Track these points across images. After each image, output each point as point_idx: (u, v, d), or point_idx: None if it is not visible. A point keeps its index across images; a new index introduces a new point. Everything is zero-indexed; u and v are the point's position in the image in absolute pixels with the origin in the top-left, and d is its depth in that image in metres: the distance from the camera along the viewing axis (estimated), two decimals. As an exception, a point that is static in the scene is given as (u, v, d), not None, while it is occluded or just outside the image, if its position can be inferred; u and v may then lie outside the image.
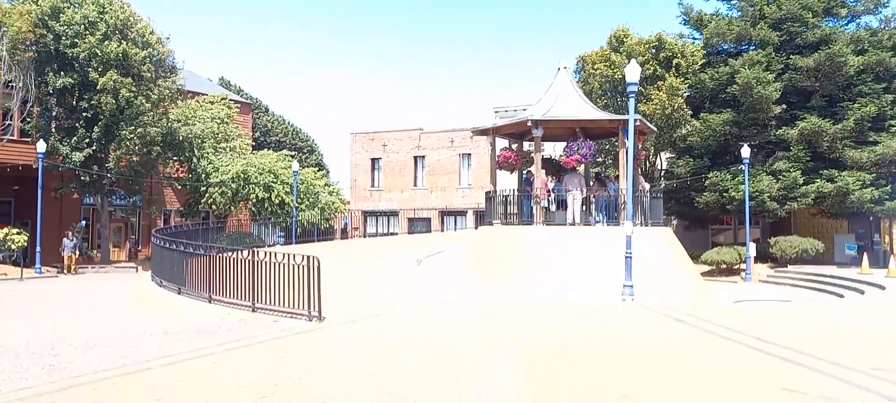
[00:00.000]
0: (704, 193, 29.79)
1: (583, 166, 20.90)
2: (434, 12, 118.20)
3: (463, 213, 42.84)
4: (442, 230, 41.24)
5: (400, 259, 20.96)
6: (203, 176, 33.59)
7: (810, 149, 28.64)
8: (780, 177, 28.42)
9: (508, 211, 19.33)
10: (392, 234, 40.24)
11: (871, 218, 30.22)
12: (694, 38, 33.16)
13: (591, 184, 20.20)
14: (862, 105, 27.97)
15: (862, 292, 20.58)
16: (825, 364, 7.69)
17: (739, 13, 32.16)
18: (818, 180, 28.20)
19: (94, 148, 28.91)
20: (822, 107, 29.18)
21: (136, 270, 28.83)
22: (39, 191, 26.65)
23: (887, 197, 27.57)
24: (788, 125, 29.10)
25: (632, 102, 15.38)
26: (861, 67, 28.30)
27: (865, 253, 27.26)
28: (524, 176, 20.32)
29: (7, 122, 27.96)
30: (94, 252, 32.61)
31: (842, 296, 20.86)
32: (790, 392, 6.40)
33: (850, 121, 27.71)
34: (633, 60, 15.55)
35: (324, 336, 9.56)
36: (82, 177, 29.19)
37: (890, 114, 28.73)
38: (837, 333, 10.57)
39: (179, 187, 35.25)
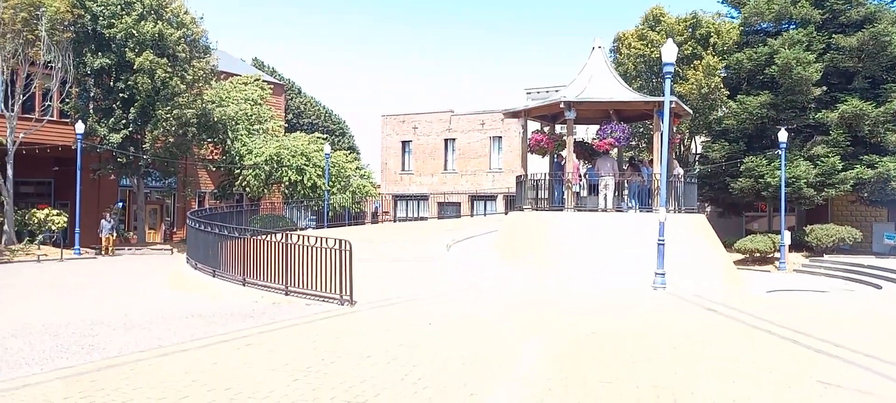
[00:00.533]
0: (739, 179, 29.27)
1: (616, 150, 20.69)
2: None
3: (493, 198, 42.75)
4: (472, 215, 41.23)
5: (430, 244, 21.04)
6: (237, 158, 33.99)
7: (850, 133, 27.92)
8: (818, 162, 27.78)
9: (539, 196, 19.24)
10: (422, 219, 40.37)
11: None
12: (731, 17, 32.45)
13: (625, 168, 19.99)
14: (906, 87, 27.20)
15: (901, 283, 20.12)
16: (861, 356, 7.55)
17: (780, -9, 31.39)
18: (858, 166, 27.52)
19: (130, 129, 29.45)
20: (865, 89, 28.40)
21: (172, 252, 29.37)
22: (78, 172, 27.23)
23: (931, 184, 26.81)
24: (828, 108, 28.39)
25: (668, 84, 15.16)
26: (907, 47, 27.48)
27: (906, 243, 26.65)
28: (556, 160, 20.17)
29: (47, 103, 28.59)
30: (131, 234, 33.28)
31: (880, 287, 20.41)
32: (825, 386, 6.30)
33: (894, 104, 26.95)
34: (670, 39, 15.33)
35: (356, 320, 9.66)
36: (119, 159, 29.74)
37: (936, 98, 27.88)
38: (874, 325, 10.37)
39: (213, 169, 35.75)
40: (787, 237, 27.45)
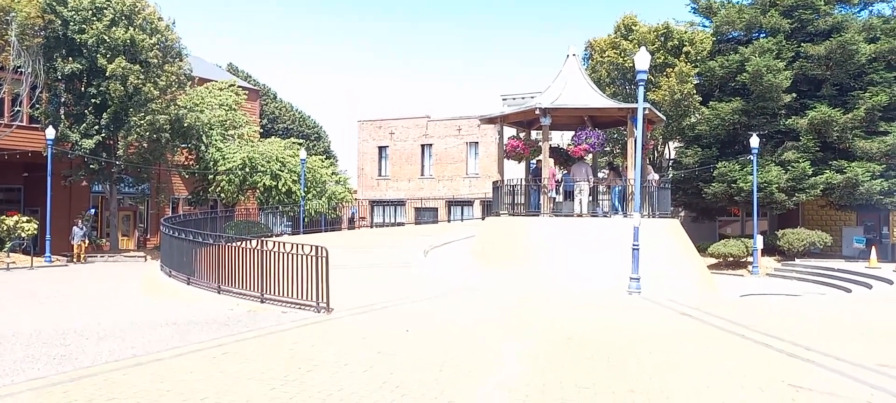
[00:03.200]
0: (712, 184, 29.67)
1: (591, 155, 20.86)
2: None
3: (470, 203, 42.84)
4: (449, 220, 41.28)
5: (407, 249, 21.03)
6: (211, 163, 33.69)
7: (820, 139, 28.44)
8: (789, 167, 28.25)
9: (516, 202, 19.34)
10: (399, 224, 40.30)
11: (880, 211, 30.03)
12: (703, 26, 32.93)
13: (606, 173, 20.17)
14: (873, 94, 27.75)
15: (870, 286, 20.52)
16: (831, 359, 7.69)
17: (750, 1, 31.93)
18: (827, 171, 28.03)
19: (103, 135, 29.06)
20: (833, 97, 28.97)
21: (145, 259, 29.00)
22: (49, 178, 26.80)
23: (897, 188, 27.39)
24: (798, 114, 28.90)
25: (641, 90, 15.31)
26: (873, 56, 28.07)
27: (873, 247, 27.16)
28: (532, 165, 20.30)
29: (16, 108, 28.13)
30: (103, 240, 32.81)
31: (849, 291, 20.81)
32: (797, 389, 6.41)
33: (861, 111, 27.50)
34: (643, 48, 15.47)
35: (333, 327, 9.62)
36: (91, 165, 29.33)
37: (901, 104, 28.51)
38: (844, 328, 10.56)
39: (187, 175, 35.38)
40: (759, 241, 27.85)
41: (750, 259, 28.20)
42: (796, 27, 29.64)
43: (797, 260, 28.53)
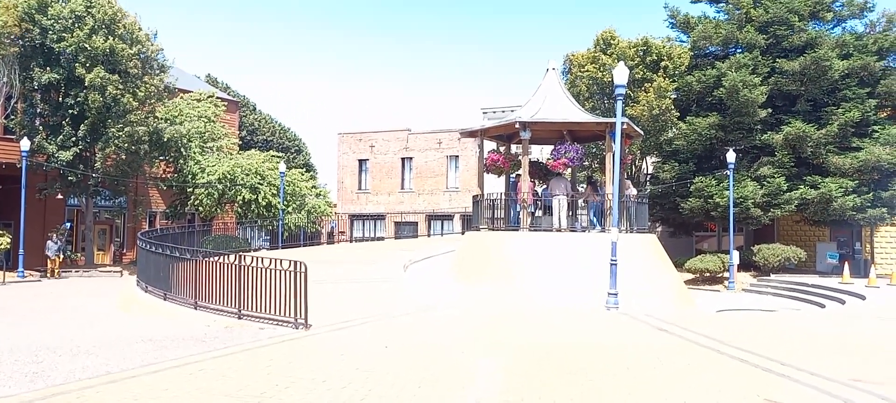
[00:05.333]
0: (689, 199, 29.93)
1: (569, 170, 20.99)
2: (422, 11, 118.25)
3: (450, 217, 42.85)
4: (429, 234, 41.23)
5: (387, 264, 20.98)
6: (189, 176, 33.40)
7: (794, 154, 28.82)
8: (765, 182, 28.59)
9: (495, 216, 19.38)
10: (379, 239, 40.19)
11: (852, 227, 30.47)
12: (681, 41, 33.33)
13: (584, 187, 20.29)
14: (846, 110, 28.20)
15: (843, 302, 20.77)
16: (805, 374, 7.79)
17: (726, 16, 32.38)
18: (802, 186, 28.39)
19: (80, 146, 28.69)
20: (807, 112, 29.40)
21: (121, 274, 28.65)
22: (23, 190, 26.40)
23: (869, 204, 27.78)
24: (773, 130, 29.29)
25: (619, 105, 15.44)
26: (846, 72, 28.53)
27: (846, 262, 27.55)
28: (512, 179, 20.37)
29: (-9, 120, 27.75)
30: (78, 255, 32.33)
31: (823, 306, 21.07)
32: (771, 404, 6.49)
33: (834, 127, 27.93)
34: (621, 62, 15.62)
35: (311, 344, 9.57)
36: (69, 177, 28.93)
37: (873, 120, 29.00)
38: (818, 343, 10.70)
39: (165, 188, 35.04)
40: (735, 257, 28.12)
41: (726, 274, 28.46)
42: (772, 43, 30.08)
43: (772, 276, 28.84)
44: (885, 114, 29.77)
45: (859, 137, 28.68)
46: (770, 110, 29.23)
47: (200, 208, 33.47)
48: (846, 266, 26.67)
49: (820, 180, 28.21)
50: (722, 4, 33.09)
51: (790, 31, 29.70)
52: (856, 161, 27.52)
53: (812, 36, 29.55)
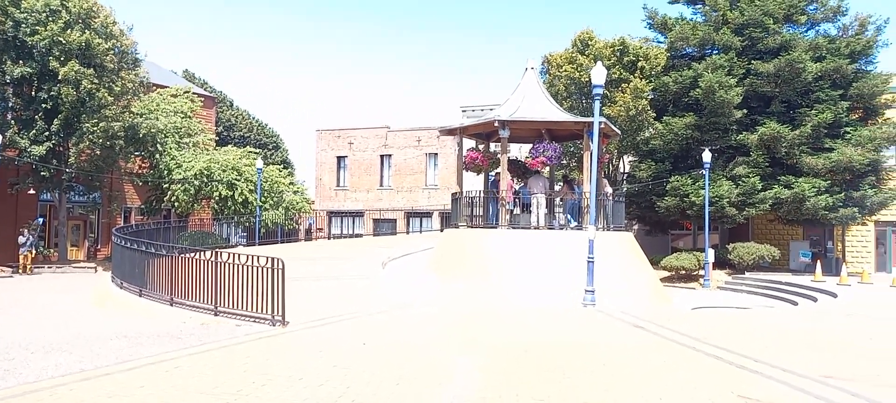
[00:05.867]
0: (665, 198, 30.19)
1: (548, 169, 21.10)
2: (401, 9, 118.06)
3: (429, 215, 42.84)
4: (407, 231, 41.20)
5: (365, 261, 20.94)
6: (165, 172, 33.05)
7: (769, 154, 29.17)
8: (740, 182, 28.90)
9: (474, 214, 19.43)
10: (357, 236, 40.09)
11: (824, 226, 30.93)
12: (658, 42, 33.59)
13: (560, 186, 20.40)
14: (819, 111, 28.59)
15: (815, 299, 21.09)
16: (778, 371, 7.91)
17: (703, 18, 32.66)
18: (776, 186, 28.74)
19: (53, 141, 28.27)
20: (781, 113, 29.76)
21: (96, 270, 28.29)
22: (-6, 186, 25.96)
23: (841, 204, 28.21)
24: (748, 130, 29.61)
25: (597, 105, 15.55)
26: (819, 74, 28.91)
27: (819, 261, 28.01)
28: (491, 177, 20.43)
29: (-39, 114, 27.22)
30: (51, 251, 31.83)
31: (796, 304, 21.37)
32: (745, 400, 6.58)
33: (808, 128, 28.30)
34: (599, 63, 15.73)
35: (288, 341, 9.53)
36: (41, 172, 28.48)
37: (845, 122, 29.45)
38: (791, 341, 10.87)
39: (141, 184, 34.64)
40: (710, 255, 28.42)
41: (701, 272, 28.76)
42: (747, 45, 30.41)
43: (747, 274, 29.20)
44: (856, 115, 30.24)
45: (832, 138, 29.10)
46: (745, 111, 29.55)
47: (176, 204, 33.15)
48: (818, 264, 27.10)
49: (793, 180, 28.59)
50: (699, 6, 33.37)
51: (765, 33, 30.04)
52: (828, 161, 27.92)
53: (786, 38, 29.91)
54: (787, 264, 31.17)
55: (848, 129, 29.25)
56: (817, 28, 32.20)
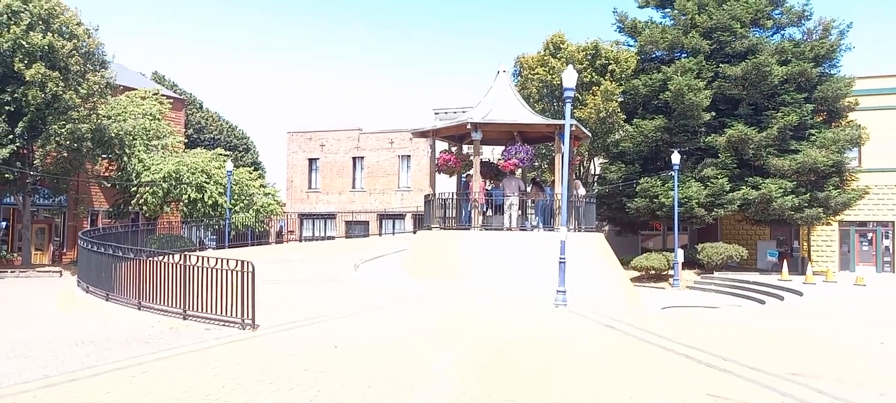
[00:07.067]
0: (635, 199, 30.51)
1: (520, 170, 21.20)
2: (374, 11, 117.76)
3: (401, 217, 42.75)
4: (380, 234, 41.06)
5: (337, 264, 20.81)
6: (133, 175, 32.55)
7: (737, 156, 29.62)
8: (708, 183, 29.30)
9: (447, 215, 19.45)
10: (329, 238, 39.80)
11: (791, 226, 31.49)
12: (629, 45, 33.93)
13: (529, 188, 20.50)
14: (785, 114, 29.11)
15: (782, 298, 21.47)
16: (746, 369, 8.02)
17: (672, 22, 33.07)
18: (744, 187, 29.19)
19: (17, 144, 27.68)
20: (749, 115, 30.24)
21: (60, 275, 27.76)
22: (-44, 189, 25.34)
23: (806, 204, 28.74)
24: (717, 132, 30.04)
25: (568, 108, 15.64)
26: (785, 77, 29.43)
27: (785, 260, 28.53)
28: (463, 179, 20.46)
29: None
30: (15, 255, 31.16)
31: (763, 303, 21.73)
32: (714, 398, 6.66)
33: (774, 130, 28.79)
34: (570, 66, 15.83)
35: (258, 344, 9.42)
36: (5, 175, 27.86)
37: (810, 124, 30.02)
38: (758, 339, 11.02)
39: (108, 186, 34.08)
40: (680, 255, 28.79)
41: (671, 272, 29.10)
42: (715, 48, 30.86)
43: (715, 273, 29.62)
44: (820, 118, 30.85)
45: (797, 140, 29.64)
46: (713, 113, 29.98)
47: (145, 207, 32.67)
48: (785, 263, 27.60)
49: (761, 181, 29.06)
50: (668, 10, 33.79)
51: (733, 37, 30.51)
52: (794, 163, 28.43)
53: (753, 42, 30.40)
54: (754, 264, 31.67)
55: (813, 131, 29.80)
56: (783, 32, 32.80)
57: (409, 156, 43.14)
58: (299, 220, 45.23)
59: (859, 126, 30.09)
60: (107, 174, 34.08)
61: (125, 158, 32.55)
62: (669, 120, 30.34)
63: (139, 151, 33.02)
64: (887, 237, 32.38)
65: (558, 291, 14.49)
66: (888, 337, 11.25)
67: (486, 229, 18.30)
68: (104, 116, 31.38)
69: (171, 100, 39.82)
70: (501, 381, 7.31)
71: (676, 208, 28.17)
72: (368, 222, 43.09)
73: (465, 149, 21.62)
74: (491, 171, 20.57)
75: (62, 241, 35.39)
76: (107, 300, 13.22)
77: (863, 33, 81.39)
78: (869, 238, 32.77)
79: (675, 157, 27.66)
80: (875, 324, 13.33)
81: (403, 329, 11.19)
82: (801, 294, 21.07)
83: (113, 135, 31.05)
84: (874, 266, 32.23)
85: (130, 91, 36.38)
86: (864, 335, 11.60)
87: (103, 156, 32.53)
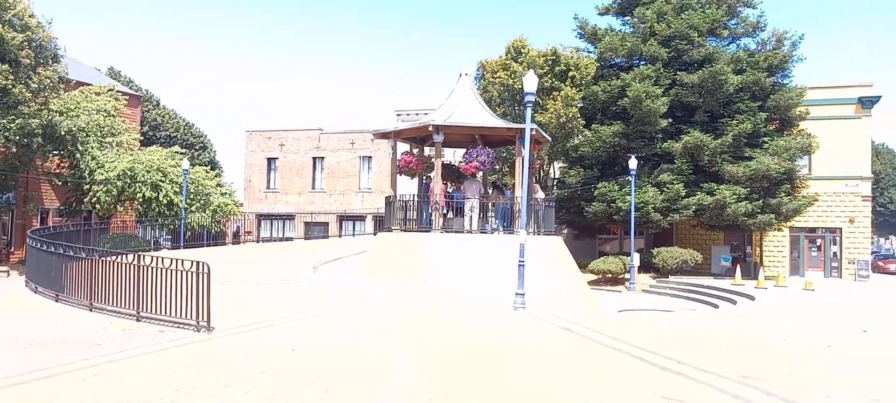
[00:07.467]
0: (593, 203, 30.87)
1: (481, 173, 21.29)
2: (337, 11, 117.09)
3: (362, 218, 42.54)
4: (340, 235, 40.79)
5: (295, 265, 20.61)
6: (86, 172, 31.73)
7: (693, 162, 30.19)
8: (665, 188, 29.80)
9: (408, 217, 19.41)
10: (288, 239, 39.40)
11: (744, 231, 32.22)
12: (589, 52, 34.34)
13: (490, 191, 20.60)
14: (739, 122, 29.77)
15: (734, 302, 21.96)
16: (700, 372, 8.19)
17: (632, 29, 33.58)
18: (699, 193, 29.76)
19: (-38, 139, 26.79)
20: (705, 123, 30.86)
21: (8, 274, 26.91)
22: None
23: (759, 210, 29.44)
24: (673, 139, 30.58)
25: (528, 112, 15.75)
26: (740, 86, 30.11)
27: (738, 265, 29.20)
28: (424, 182, 20.45)
29: None
30: (-40, 253, 30.15)
31: (717, 306, 22.20)
32: (668, 400, 6.78)
33: (729, 137, 29.43)
34: (531, 70, 15.94)
35: (213, 347, 9.28)
36: (-51, 171, 26.94)
37: (764, 132, 30.78)
38: (711, 342, 11.26)
39: (60, 184, 33.15)
40: (636, 259, 29.24)
41: (627, 275, 29.52)
42: (673, 56, 31.42)
43: (671, 277, 30.15)
44: (773, 126, 31.66)
45: (751, 147, 30.35)
46: (670, 120, 30.51)
47: (97, 206, 31.85)
48: (738, 268, 28.25)
49: (715, 187, 29.66)
50: (628, 18, 34.30)
51: (690, 45, 31.10)
52: (747, 169, 29.09)
53: (710, 51, 31.04)
54: (708, 268, 32.32)
55: (765, 139, 30.55)
56: (738, 42, 33.56)
57: (371, 157, 42.96)
58: (257, 221, 44.66)
59: (809, 135, 30.95)
60: (58, 171, 33.16)
61: (78, 155, 31.70)
62: (627, 126, 30.77)
63: (92, 148, 32.18)
64: (835, 243, 33.39)
65: (517, 294, 14.57)
66: (835, 341, 11.60)
67: (447, 231, 18.33)
68: (56, 112, 30.52)
69: (127, 97, 38.92)
70: (460, 385, 7.33)
71: (633, 213, 28.59)
72: (328, 223, 42.78)
73: (427, 151, 21.62)
74: (452, 174, 20.60)
75: (10, 240, 34.31)
76: (57, 301, 12.86)
77: (813, 45, 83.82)
78: (818, 244, 33.74)
79: (633, 163, 28.09)
80: (823, 328, 13.74)
81: (363, 331, 11.13)
82: (753, 298, 21.56)
83: (65, 131, 30.20)
84: (822, 271, 33.19)
85: (85, 86, 35.42)
86: (813, 339, 11.94)
87: (55, 152, 31.64)
